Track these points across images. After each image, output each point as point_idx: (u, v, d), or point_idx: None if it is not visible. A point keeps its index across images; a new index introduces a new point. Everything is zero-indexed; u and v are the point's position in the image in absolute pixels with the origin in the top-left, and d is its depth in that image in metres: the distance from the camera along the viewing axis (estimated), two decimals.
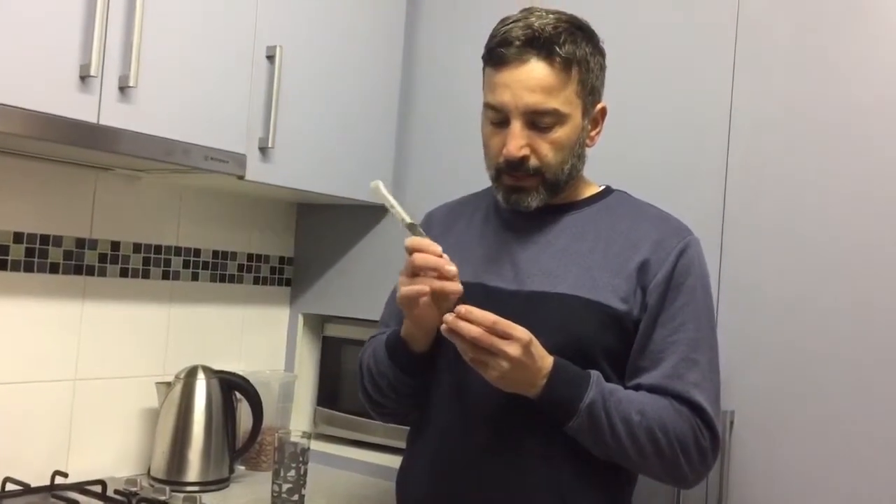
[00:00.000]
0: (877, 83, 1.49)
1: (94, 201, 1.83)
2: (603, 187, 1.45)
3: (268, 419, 1.97)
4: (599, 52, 1.36)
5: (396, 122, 2.09)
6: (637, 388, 1.30)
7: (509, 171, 1.33)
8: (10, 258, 1.69)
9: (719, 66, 1.65)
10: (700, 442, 1.29)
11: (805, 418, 1.50)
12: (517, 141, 1.30)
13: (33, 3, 1.36)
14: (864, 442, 1.45)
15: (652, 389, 1.29)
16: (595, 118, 1.38)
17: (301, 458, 1.70)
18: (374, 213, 2.12)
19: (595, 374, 1.27)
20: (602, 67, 1.37)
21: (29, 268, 1.72)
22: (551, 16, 1.32)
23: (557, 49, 1.29)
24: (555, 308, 1.29)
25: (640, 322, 1.31)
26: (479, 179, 1.93)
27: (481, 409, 1.32)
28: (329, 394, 2.23)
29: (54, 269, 1.76)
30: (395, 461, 2.02)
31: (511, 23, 1.32)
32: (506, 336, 1.19)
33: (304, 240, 2.28)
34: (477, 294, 1.29)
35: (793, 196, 1.56)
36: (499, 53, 1.31)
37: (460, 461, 1.33)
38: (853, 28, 1.53)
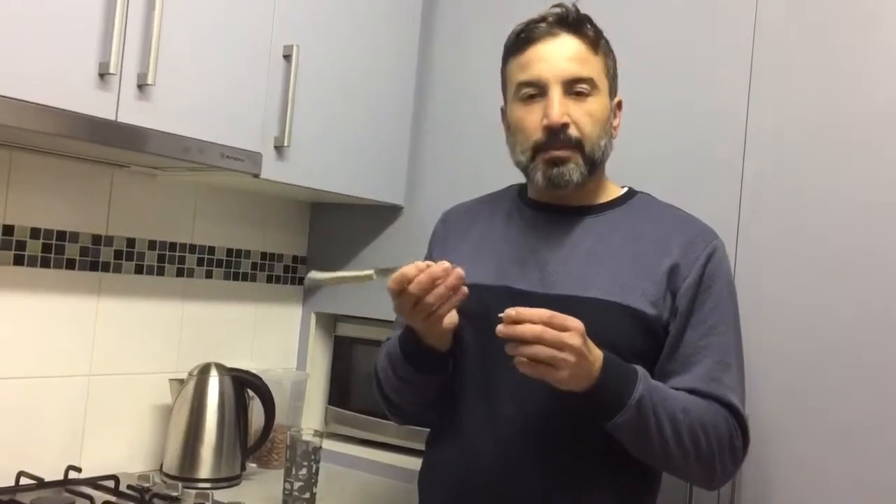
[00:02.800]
0: (893, 90, 1.49)
1: (111, 198, 1.85)
2: (625, 189, 1.45)
3: (279, 417, 1.98)
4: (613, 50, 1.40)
5: (411, 122, 2.09)
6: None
7: (549, 145, 1.32)
8: (27, 253, 1.70)
9: (736, 72, 1.64)
10: (734, 443, 1.28)
11: (817, 422, 1.49)
12: (559, 107, 1.30)
13: (54, 1, 1.37)
14: (876, 446, 1.44)
15: (688, 393, 1.27)
16: (615, 108, 1.40)
17: (313, 457, 1.70)
18: (387, 212, 2.12)
19: (642, 370, 1.25)
20: (616, 63, 1.40)
21: (45, 263, 1.73)
22: (573, 6, 1.36)
23: (587, 27, 1.33)
24: (587, 312, 1.25)
25: (668, 326, 1.31)
26: (494, 178, 1.94)
27: (511, 421, 1.30)
28: (340, 393, 2.24)
29: (70, 265, 1.77)
30: (406, 461, 2.03)
31: (536, 17, 1.35)
32: (564, 328, 1.14)
33: (318, 239, 2.29)
34: (502, 296, 1.28)
35: (808, 203, 1.55)
36: (528, 31, 1.34)
37: (486, 471, 1.31)
38: (869, 36, 1.52)
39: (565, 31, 1.33)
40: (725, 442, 1.27)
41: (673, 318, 1.30)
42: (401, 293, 1.22)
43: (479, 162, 1.99)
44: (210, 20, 1.61)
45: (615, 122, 1.40)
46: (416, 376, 1.36)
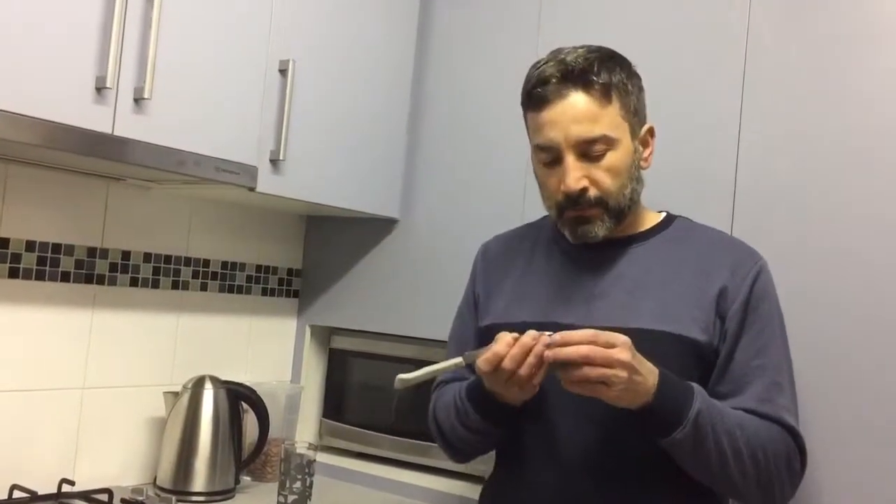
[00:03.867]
0: (886, 103, 1.50)
1: (106, 211, 1.85)
2: (663, 214, 1.45)
3: (274, 430, 1.98)
4: (635, 75, 1.37)
5: (406, 135, 2.10)
6: None
7: (571, 206, 1.33)
8: (22, 266, 1.70)
9: (728, 86, 1.66)
10: (793, 465, 1.28)
11: (822, 428, 1.48)
12: (574, 174, 1.30)
13: (51, 15, 1.38)
14: (888, 445, 1.44)
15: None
16: (644, 139, 1.38)
17: (307, 470, 1.70)
18: (382, 226, 2.13)
19: (697, 386, 1.24)
20: (640, 89, 1.38)
21: (40, 276, 1.73)
22: (580, 49, 1.33)
23: (594, 77, 1.30)
24: (637, 343, 1.24)
25: (718, 351, 1.30)
26: (488, 193, 1.96)
27: (572, 455, 1.30)
28: (335, 406, 2.24)
29: (65, 277, 1.77)
30: (401, 474, 2.03)
31: (543, 64, 1.33)
32: (610, 345, 1.15)
33: (313, 252, 2.29)
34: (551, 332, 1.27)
35: (802, 217, 1.56)
36: (538, 94, 1.32)
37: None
38: (861, 49, 1.54)
39: (572, 88, 1.30)
40: (783, 462, 1.26)
41: (723, 342, 1.30)
42: (496, 371, 1.21)
43: (474, 175, 2.00)
44: (206, 35, 1.62)
45: (645, 154, 1.38)
46: (491, 429, 1.37)
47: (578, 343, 1.15)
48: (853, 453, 1.47)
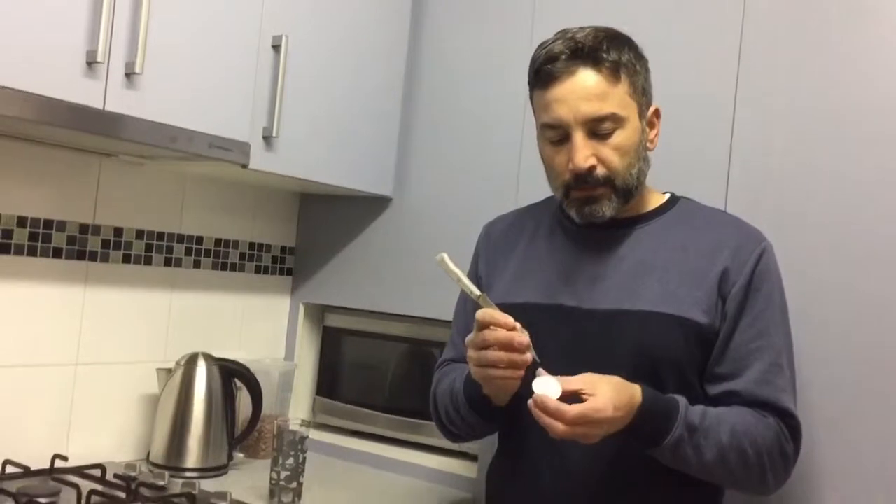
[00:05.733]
0: (882, 79, 1.50)
1: (98, 187, 1.84)
2: (668, 195, 1.44)
3: (267, 407, 1.98)
4: (642, 56, 1.37)
5: (401, 113, 2.09)
6: (726, 395, 1.29)
7: (578, 185, 1.32)
8: (13, 242, 1.69)
9: (723, 63, 1.65)
10: (784, 450, 1.29)
11: (820, 407, 1.49)
12: (582, 152, 1.29)
13: None
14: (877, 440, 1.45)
15: (742, 396, 1.28)
16: (651, 120, 1.38)
17: (300, 447, 1.70)
18: (376, 204, 2.12)
19: (682, 406, 1.24)
20: (648, 70, 1.37)
21: (32, 252, 1.72)
22: (588, 28, 1.33)
23: (603, 55, 1.29)
24: (635, 325, 1.27)
25: (720, 332, 1.31)
26: (482, 172, 1.95)
27: (571, 451, 1.30)
28: (328, 384, 2.24)
29: (57, 253, 1.77)
30: (394, 451, 2.04)
31: (551, 43, 1.32)
32: (594, 410, 1.15)
33: (306, 230, 2.29)
34: (554, 315, 1.28)
35: (796, 195, 1.56)
36: (546, 70, 1.31)
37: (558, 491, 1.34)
38: (857, 29, 1.53)
39: (582, 65, 1.29)
40: (775, 451, 1.27)
41: (723, 324, 1.30)
42: (480, 329, 1.23)
43: (469, 154, 1.99)
44: (199, 9, 1.61)
45: (651, 135, 1.38)
46: (480, 422, 1.39)
47: (569, 394, 1.15)
48: (853, 431, 1.47)
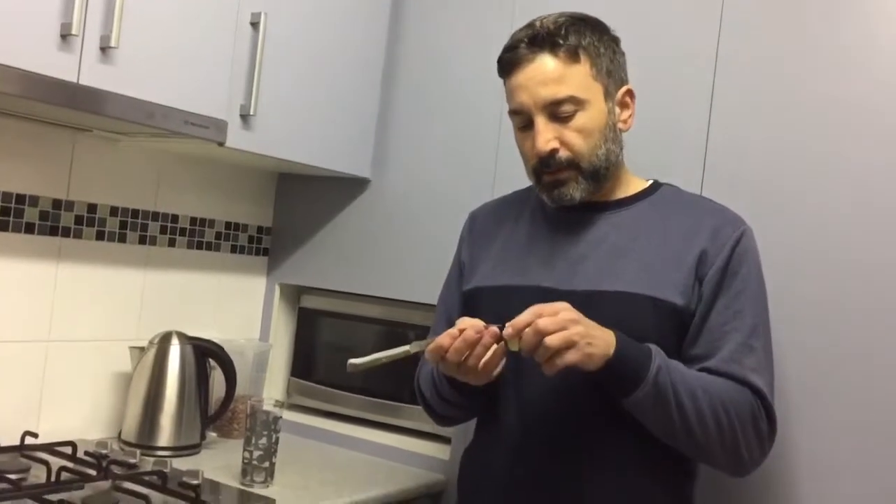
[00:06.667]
0: (865, 61, 1.51)
1: (72, 162, 1.82)
2: (651, 182, 1.45)
3: (241, 388, 1.98)
4: (609, 38, 1.37)
5: (380, 93, 2.08)
6: None
7: (545, 169, 1.34)
8: None
9: (703, 45, 1.65)
10: (759, 424, 1.28)
11: (798, 392, 1.51)
12: (543, 136, 1.32)
13: None
14: (872, 438, 1.46)
15: (712, 372, 1.28)
16: (623, 101, 1.38)
17: (273, 427, 1.70)
18: (354, 185, 2.11)
19: (655, 347, 1.25)
20: (616, 52, 1.38)
21: (4, 227, 1.70)
22: (552, 15, 1.35)
23: (560, 41, 1.31)
24: (612, 306, 1.28)
25: (696, 314, 1.31)
26: (460, 156, 1.95)
27: (539, 409, 1.34)
28: (303, 365, 2.24)
29: (29, 229, 1.74)
30: (368, 433, 2.05)
31: (517, 32, 1.36)
32: (555, 312, 1.18)
33: (283, 210, 2.28)
34: (533, 295, 1.29)
35: (772, 183, 1.57)
36: (507, 59, 1.35)
37: (518, 459, 1.35)
38: (836, 13, 1.54)
39: (539, 51, 1.32)
40: (749, 421, 1.27)
41: (700, 305, 1.31)
42: (442, 360, 1.25)
43: (448, 136, 1.99)
44: None
45: (623, 116, 1.38)
46: (466, 402, 1.41)
47: (526, 325, 1.17)
48: (834, 418, 1.48)
